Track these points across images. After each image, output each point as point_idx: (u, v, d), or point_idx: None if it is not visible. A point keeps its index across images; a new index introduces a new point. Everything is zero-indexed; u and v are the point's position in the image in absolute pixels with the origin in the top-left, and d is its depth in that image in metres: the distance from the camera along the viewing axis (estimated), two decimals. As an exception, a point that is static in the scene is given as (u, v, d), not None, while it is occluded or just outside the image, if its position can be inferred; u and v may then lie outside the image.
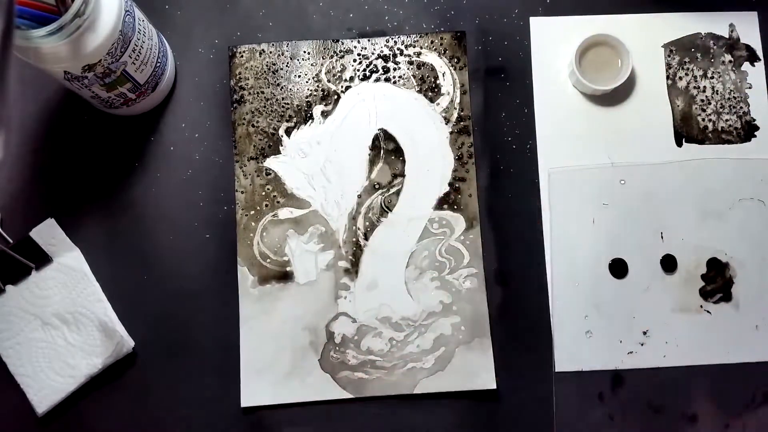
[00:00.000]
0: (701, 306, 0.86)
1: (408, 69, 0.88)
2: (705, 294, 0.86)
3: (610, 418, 0.84)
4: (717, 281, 0.86)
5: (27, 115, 0.86)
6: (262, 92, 0.87)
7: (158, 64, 0.82)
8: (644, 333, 0.85)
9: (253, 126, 0.87)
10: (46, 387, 0.82)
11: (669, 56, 0.89)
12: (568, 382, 0.84)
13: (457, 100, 0.88)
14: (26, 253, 0.83)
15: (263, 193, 0.86)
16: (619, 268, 0.86)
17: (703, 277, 0.86)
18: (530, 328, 0.85)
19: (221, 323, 0.84)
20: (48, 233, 0.84)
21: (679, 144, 0.88)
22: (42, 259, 0.84)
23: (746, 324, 0.86)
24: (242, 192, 0.86)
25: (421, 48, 0.89)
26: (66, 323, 0.82)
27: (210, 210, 0.86)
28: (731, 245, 0.87)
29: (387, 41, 0.89)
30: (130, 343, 0.83)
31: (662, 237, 0.87)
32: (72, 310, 0.83)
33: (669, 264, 0.86)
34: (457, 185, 0.86)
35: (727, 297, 0.86)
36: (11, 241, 0.83)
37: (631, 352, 0.85)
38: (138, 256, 0.85)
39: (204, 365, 0.84)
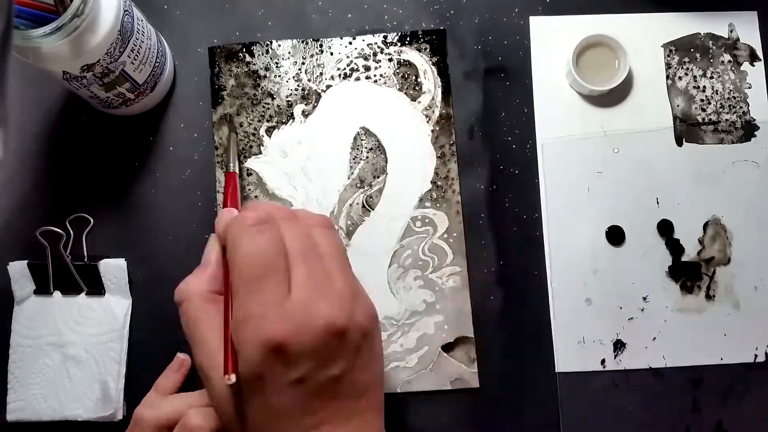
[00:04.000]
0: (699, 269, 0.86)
1: (389, 67, 0.88)
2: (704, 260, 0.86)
3: (614, 385, 0.84)
4: (713, 244, 0.86)
5: (25, 115, 0.87)
6: (244, 92, 0.88)
7: (157, 64, 0.82)
8: (644, 299, 0.85)
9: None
10: (26, 401, 0.81)
11: (669, 56, 0.88)
12: (569, 354, 0.84)
13: (439, 98, 0.88)
14: (85, 276, 0.84)
15: (244, 194, 0.86)
16: (615, 236, 0.86)
17: (699, 240, 0.86)
18: (530, 329, 0.85)
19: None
20: (114, 271, 0.84)
21: (679, 144, 0.87)
22: (96, 288, 0.84)
23: (745, 284, 0.86)
24: (223, 193, 0.85)
25: (402, 46, 0.89)
26: (77, 359, 0.82)
27: (209, 210, 0.86)
28: (726, 208, 0.87)
29: (366, 39, 0.89)
30: (120, 415, 0.82)
31: (658, 202, 0.86)
32: (90, 350, 0.82)
33: (665, 229, 0.86)
34: (439, 183, 0.86)
35: (724, 260, 0.86)
36: (69, 256, 0.84)
37: (631, 318, 0.85)
38: (137, 256, 0.85)
39: (194, 363, 0.83)
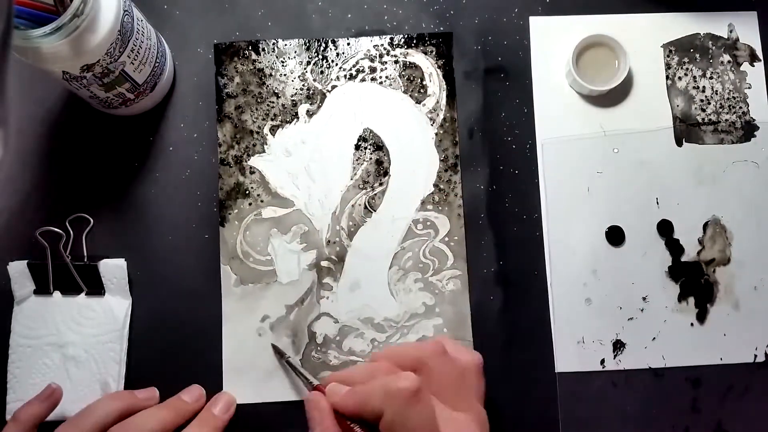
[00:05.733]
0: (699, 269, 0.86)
1: (394, 69, 0.88)
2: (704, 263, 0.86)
3: (614, 385, 0.84)
4: (713, 244, 0.86)
5: (25, 116, 0.87)
6: (248, 90, 0.87)
7: (157, 64, 0.82)
8: (643, 299, 0.85)
9: (236, 125, 0.87)
10: (25, 401, 0.79)
11: (668, 56, 0.89)
12: (569, 354, 0.84)
13: (444, 102, 0.88)
14: (85, 277, 0.83)
15: (247, 192, 0.86)
16: (615, 236, 0.86)
17: (699, 240, 0.86)
18: (530, 329, 0.85)
19: (216, 322, 0.84)
20: (113, 271, 0.84)
21: (679, 144, 0.87)
22: (96, 288, 0.83)
23: (745, 285, 0.86)
24: (226, 191, 0.86)
25: (408, 48, 0.89)
26: (77, 360, 0.82)
27: (208, 210, 0.86)
28: (726, 208, 0.87)
29: (373, 41, 0.89)
30: None
31: (657, 202, 0.87)
32: (90, 350, 0.82)
33: (665, 229, 0.86)
34: (441, 186, 0.86)
35: (724, 260, 0.86)
36: (69, 256, 0.83)
37: (631, 318, 0.85)
38: (137, 256, 0.85)
39: (194, 363, 0.84)
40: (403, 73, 0.88)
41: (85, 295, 0.83)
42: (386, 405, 0.64)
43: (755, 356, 0.85)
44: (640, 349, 0.84)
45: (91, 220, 0.85)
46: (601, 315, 0.85)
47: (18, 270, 0.83)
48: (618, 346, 0.84)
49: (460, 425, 0.68)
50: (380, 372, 0.70)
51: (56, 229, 0.83)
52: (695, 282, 0.85)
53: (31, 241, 0.82)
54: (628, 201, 0.86)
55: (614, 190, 0.87)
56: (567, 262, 0.85)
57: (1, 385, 0.82)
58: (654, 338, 0.85)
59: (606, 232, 0.86)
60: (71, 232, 0.84)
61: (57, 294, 0.83)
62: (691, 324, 0.85)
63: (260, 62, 0.88)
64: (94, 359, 0.82)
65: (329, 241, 0.85)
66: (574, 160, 0.87)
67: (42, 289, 0.83)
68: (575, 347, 0.84)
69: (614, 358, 0.84)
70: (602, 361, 0.84)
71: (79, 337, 0.82)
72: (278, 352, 0.83)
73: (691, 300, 0.85)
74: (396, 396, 0.64)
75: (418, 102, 0.88)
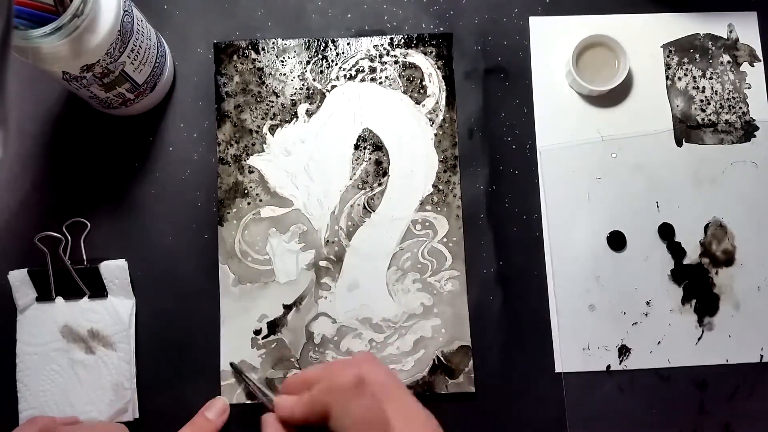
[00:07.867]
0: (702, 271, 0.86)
1: (394, 70, 0.88)
2: (710, 262, 0.87)
3: (620, 390, 0.84)
4: (715, 245, 0.86)
5: (25, 116, 0.87)
6: (248, 89, 0.87)
7: (157, 64, 0.82)
8: (647, 303, 0.85)
9: (236, 124, 0.87)
10: (38, 408, 0.81)
11: (668, 57, 0.88)
12: (574, 360, 0.84)
13: (443, 102, 0.87)
14: (87, 280, 0.83)
15: (246, 191, 0.86)
16: (617, 241, 0.86)
17: (701, 242, 0.86)
18: (530, 329, 0.85)
19: (214, 321, 0.84)
20: (115, 272, 0.84)
21: (679, 144, 0.87)
22: (99, 291, 0.83)
23: (748, 285, 0.86)
24: (225, 190, 0.86)
25: (408, 48, 0.88)
26: (84, 363, 0.82)
27: (208, 210, 0.86)
28: (727, 209, 0.87)
29: (373, 41, 0.89)
30: (132, 415, 0.82)
31: (657, 206, 0.86)
32: (97, 352, 0.82)
33: (666, 232, 0.86)
34: (440, 187, 0.86)
35: (727, 262, 0.86)
36: (69, 261, 0.83)
37: (636, 323, 0.85)
38: (137, 256, 0.85)
39: (192, 362, 0.84)
40: (402, 73, 0.88)
41: (88, 298, 0.83)
42: (331, 400, 0.66)
43: (761, 356, 0.85)
44: (645, 354, 0.84)
45: (88, 224, 0.85)
46: (605, 321, 0.85)
47: (19, 278, 0.83)
48: (623, 351, 0.84)
49: (416, 421, 0.69)
50: (331, 369, 0.72)
51: (55, 234, 0.82)
52: (698, 284, 0.85)
53: (29, 248, 0.83)
54: (628, 205, 0.86)
55: (614, 195, 0.86)
56: (569, 269, 0.85)
57: (10, 395, 0.83)
58: (659, 342, 0.84)
59: (607, 238, 0.86)
60: (68, 236, 0.84)
61: (59, 299, 0.83)
62: (696, 326, 0.85)
63: (260, 61, 0.88)
64: (103, 361, 0.82)
65: (328, 241, 0.85)
66: (573, 167, 0.87)
67: (44, 296, 0.83)
68: (580, 354, 0.84)
69: (620, 364, 0.84)
70: (608, 367, 0.84)
71: (87, 342, 0.82)
72: (236, 371, 0.83)
73: (695, 302, 0.85)
74: (338, 390, 0.66)
75: (418, 102, 0.87)
